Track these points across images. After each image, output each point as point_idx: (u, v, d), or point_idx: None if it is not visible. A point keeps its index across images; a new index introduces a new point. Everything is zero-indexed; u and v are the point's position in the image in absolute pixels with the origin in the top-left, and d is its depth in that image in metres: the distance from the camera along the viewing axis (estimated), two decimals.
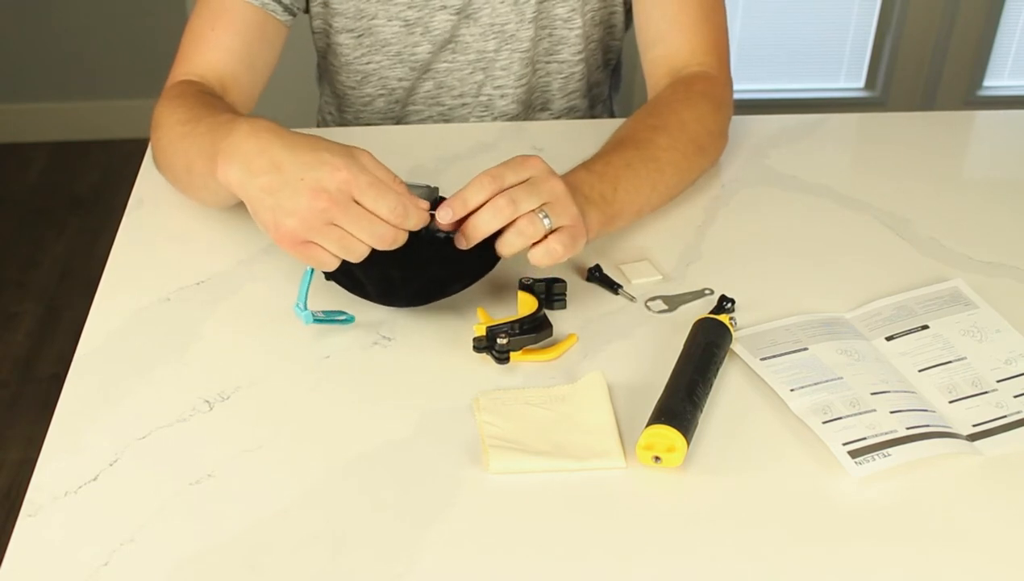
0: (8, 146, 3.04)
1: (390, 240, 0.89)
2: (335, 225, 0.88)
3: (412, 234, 0.91)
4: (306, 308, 0.95)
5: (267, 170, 0.89)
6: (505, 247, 0.92)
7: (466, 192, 0.92)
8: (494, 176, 0.93)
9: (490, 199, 0.91)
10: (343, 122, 1.41)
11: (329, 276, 0.97)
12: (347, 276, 0.96)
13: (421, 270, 0.95)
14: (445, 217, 0.91)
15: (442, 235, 0.93)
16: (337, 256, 0.90)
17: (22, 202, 2.86)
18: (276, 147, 0.90)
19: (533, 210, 0.92)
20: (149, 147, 1.24)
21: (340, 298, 0.99)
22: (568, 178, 1.02)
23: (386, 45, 1.29)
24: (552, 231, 0.93)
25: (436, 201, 0.97)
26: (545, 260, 0.93)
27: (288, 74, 1.71)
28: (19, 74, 2.99)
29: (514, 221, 0.91)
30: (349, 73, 1.33)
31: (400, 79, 1.32)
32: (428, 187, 0.98)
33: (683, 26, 1.21)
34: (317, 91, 1.49)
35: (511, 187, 0.92)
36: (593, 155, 1.08)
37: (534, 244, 0.93)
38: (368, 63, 1.31)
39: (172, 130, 1.06)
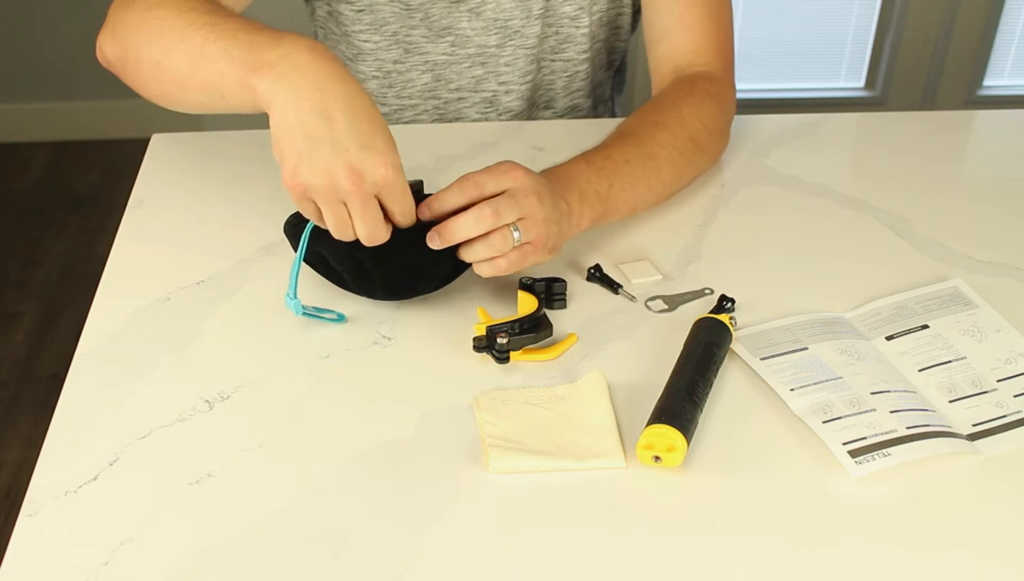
0: (8, 146, 3.04)
1: (380, 242, 0.90)
2: (344, 205, 0.88)
3: None
4: (295, 297, 0.95)
5: (314, 111, 0.85)
6: (471, 254, 0.93)
7: (446, 195, 0.94)
8: (476, 183, 0.94)
9: (473, 205, 0.92)
10: None
11: (308, 262, 0.97)
12: (320, 262, 0.97)
13: (391, 255, 0.94)
14: (423, 215, 0.93)
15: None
16: (323, 221, 0.90)
17: (22, 202, 2.85)
18: (336, 95, 0.85)
19: (508, 224, 0.92)
20: (150, 146, 1.24)
21: (335, 299, 0.99)
22: (566, 169, 1.03)
23: (384, 25, 1.29)
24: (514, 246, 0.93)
25: (420, 194, 0.97)
26: (489, 273, 0.94)
27: None
28: (19, 74, 2.99)
29: (485, 234, 0.92)
30: (348, 46, 1.33)
31: (395, 61, 1.32)
32: (414, 181, 0.99)
33: (689, 25, 1.21)
34: None
35: (493, 196, 0.93)
36: (594, 147, 1.08)
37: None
38: (365, 41, 1.31)
39: (186, 16, 0.94)
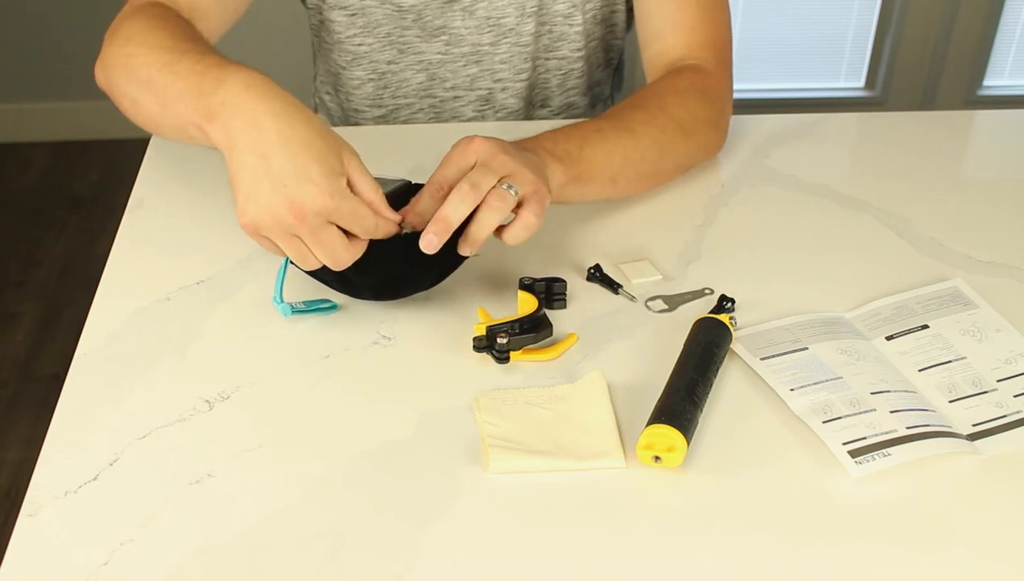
0: (8, 146, 3.04)
1: (346, 265, 0.89)
2: (298, 237, 0.88)
3: None
4: (283, 301, 0.95)
5: (252, 150, 0.86)
6: (481, 228, 0.91)
7: (420, 205, 0.93)
8: (440, 184, 0.93)
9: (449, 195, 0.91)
10: (337, 101, 1.41)
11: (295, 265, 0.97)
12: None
13: (373, 267, 0.93)
14: (431, 245, 0.90)
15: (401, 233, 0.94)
16: (287, 256, 0.90)
17: (22, 202, 2.86)
18: (270, 131, 0.86)
19: (495, 186, 0.92)
20: (149, 146, 1.24)
21: (324, 288, 0.99)
22: (533, 138, 1.04)
23: (377, 27, 1.29)
24: (518, 205, 0.93)
25: (409, 194, 0.97)
26: (523, 235, 0.93)
27: (286, 73, 1.69)
28: (19, 74, 2.99)
29: (481, 202, 0.91)
30: (341, 52, 1.33)
31: (389, 62, 1.32)
32: (402, 181, 0.99)
33: (680, 23, 1.21)
34: (310, 75, 1.49)
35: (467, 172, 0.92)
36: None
37: (501, 229, 0.93)
38: (360, 45, 1.31)
39: (151, 54, 0.98)
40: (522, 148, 0.99)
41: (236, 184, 0.88)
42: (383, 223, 0.90)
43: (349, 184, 0.88)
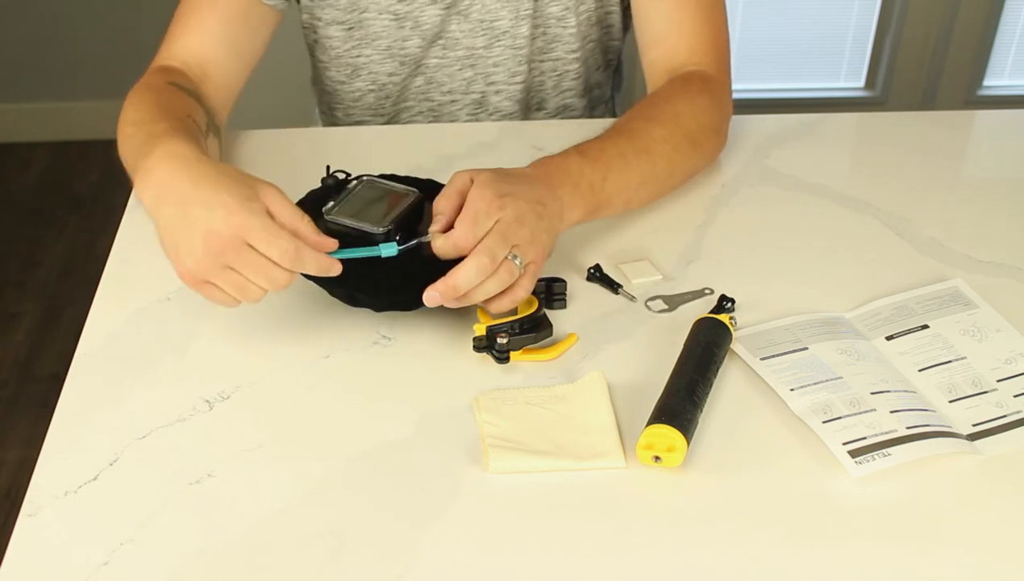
0: (8, 146, 3.04)
1: (284, 283, 0.89)
2: (231, 268, 0.88)
3: (379, 257, 0.92)
4: None
5: (172, 202, 0.89)
6: (482, 293, 0.92)
7: (441, 250, 0.92)
8: (471, 241, 0.91)
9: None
10: (332, 120, 1.41)
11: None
12: (315, 279, 0.97)
13: (385, 293, 0.94)
14: (432, 301, 0.91)
15: (414, 242, 0.94)
16: (235, 297, 0.89)
17: (22, 202, 2.85)
18: (183, 180, 0.89)
19: (506, 258, 0.92)
20: None
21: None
22: (560, 161, 1.03)
23: (376, 39, 1.29)
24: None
25: (420, 206, 0.97)
26: (508, 307, 0.94)
27: (287, 75, 1.69)
28: (19, 74, 2.99)
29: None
30: (339, 67, 1.33)
31: (391, 74, 1.32)
32: (412, 193, 0.99)
33: (681, 26, 1.21)
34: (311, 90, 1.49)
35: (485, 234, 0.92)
36: (588, 140, 1.08)
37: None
38: (358, 56, 1.31)
39: (123, 129, 1.07)
40: (547, 183, 0.99)
41: (164, 239, 0.90)
42: (308, 255, 0.88)
43: (270, 215, 0.88)
